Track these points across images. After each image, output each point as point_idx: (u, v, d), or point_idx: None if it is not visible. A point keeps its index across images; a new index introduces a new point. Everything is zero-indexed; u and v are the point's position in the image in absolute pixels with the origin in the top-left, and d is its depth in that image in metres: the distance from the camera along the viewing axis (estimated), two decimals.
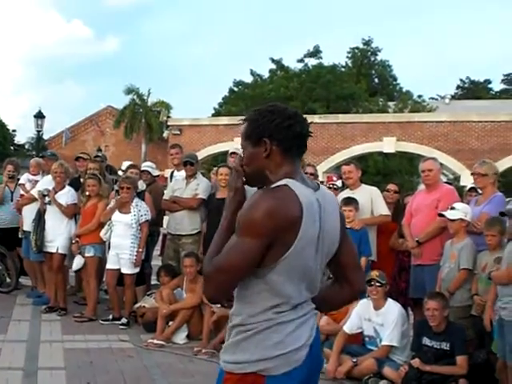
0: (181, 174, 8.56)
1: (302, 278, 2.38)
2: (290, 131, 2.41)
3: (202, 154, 25.39)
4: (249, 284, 2.37)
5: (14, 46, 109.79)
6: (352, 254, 2.65)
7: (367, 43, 48.74)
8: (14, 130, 55.06)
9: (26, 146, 56.21)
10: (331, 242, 2.47)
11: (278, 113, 2.45)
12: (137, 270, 7.92)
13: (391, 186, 8.15)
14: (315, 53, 43.89)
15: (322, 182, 10.64)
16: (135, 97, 42.82)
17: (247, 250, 2.27)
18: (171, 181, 9.02)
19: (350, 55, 49.08)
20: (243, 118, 2.56)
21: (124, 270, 7.90)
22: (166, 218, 9.33)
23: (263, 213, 2.26)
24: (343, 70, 46.23)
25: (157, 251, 9.49)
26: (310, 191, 2.39)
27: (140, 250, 7.82)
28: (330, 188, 8.92)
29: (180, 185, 8.34)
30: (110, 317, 8.00)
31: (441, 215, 6.32)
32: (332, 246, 2.49)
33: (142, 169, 9.24)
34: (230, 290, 2.39)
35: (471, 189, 7.65)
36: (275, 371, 2.34)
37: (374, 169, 33.66)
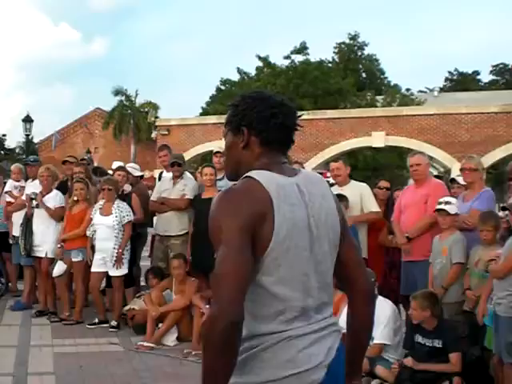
0: (169, 175, 8.50)
1: (302, 272, 2.08)
2: (271, 121, 2.16)
3: (190, 154, 25.36)
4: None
5: (3, 51, 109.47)
6: (353, 250, 2.34)
7: (353, 38, 48.75)
8: (4, 135, 55.12)
9: (17, 150, 56.03)
10: (329, 225, 2.18)
11: (261, 100, 2.20)
12: (124, 271, 7.85)
13: (383, 183, 8.09)
14: (302, 49, 43.80)
15: None
16: (123, 98, 42.72)
17: (237, 254, 1.96)
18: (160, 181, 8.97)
19: (336, 50, 49.10)
20: (228, 103, 2.33)
21: (112, 273, 7.84)
22: (155, 219, 9.27)
23: (226, 213, 2.02)
24: (330, 65, 46.22)
25: (146, 252, 9.44)
26: (282, 177, 2.11)
27: (120, 250, 7.75)
28: None
29: (167, 185, 8.28)
30: (96, 320, 7.93)
31: (441, 210, 6.19)
32: (333, 230, 2.20)
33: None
34: (240, 297, 1.96)
35: (452, 180, 7.58)
36: None
37: (364, 164, 33.67)
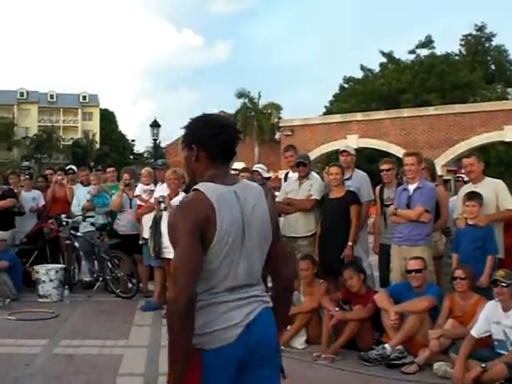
0: (295, 175, 8.44)
1: (235, 261, 2.67)
2: (215, 140, 2.75)
3: (314, 154, 25.20)
4: None
5: (131, 60, 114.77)
6: (281, 248, 2.98)
7: (480, 29, 47.01)
8: (133, 140, 57.57)
9: (145, 155, 58.24)
10: (260, 224, 2.76)
11: (206, 123, 2.79)
12: None
13: None
14: (427, 43, 42.74)
15: (441, 176, 10.17)
16: (246, 100, 43.33)
17: (187, 252, 2.60)
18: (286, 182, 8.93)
19: (463, 43, 47.48)
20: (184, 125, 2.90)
21: None
22: (280, 220, 9.23)
23: (179, 221, 2.64)
24: (457, 58, 44.78)
25: None
26: (223, 187, 2.70)
27: None
28: (457, 181, 8.50)
29: (293, 186, 8.21)
30: None
31: None
32: (264, 229, 2.78)
33: (253, 169, 9.20)
34: (192, 282, 2.59)
35: None
36: (206, 346, 2.62)
37: (497, 160, 32.32)
